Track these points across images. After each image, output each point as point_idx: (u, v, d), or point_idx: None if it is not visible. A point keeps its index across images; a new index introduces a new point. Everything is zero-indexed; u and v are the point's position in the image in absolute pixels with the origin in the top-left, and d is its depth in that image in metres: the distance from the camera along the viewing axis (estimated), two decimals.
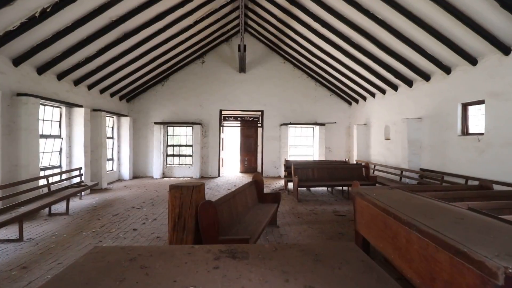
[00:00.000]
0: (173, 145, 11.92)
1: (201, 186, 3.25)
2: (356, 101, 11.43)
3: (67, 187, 6.64)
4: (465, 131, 6.24)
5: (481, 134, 5.69)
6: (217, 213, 2.83)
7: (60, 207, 6.36)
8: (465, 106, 6.25)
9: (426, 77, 7.15)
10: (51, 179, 6.95)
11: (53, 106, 7.37)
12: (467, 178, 5.86)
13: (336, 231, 4.82)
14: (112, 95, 10.09)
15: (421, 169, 7.35)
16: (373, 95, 9.93)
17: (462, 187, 4.49)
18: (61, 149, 7.63)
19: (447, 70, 6.46)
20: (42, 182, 6.30)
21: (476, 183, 5.61)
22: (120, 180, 10.64)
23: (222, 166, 12.56)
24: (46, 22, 5.43)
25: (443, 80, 6.68)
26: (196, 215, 3.07)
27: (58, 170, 7.47)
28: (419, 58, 6.68)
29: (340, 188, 8.66)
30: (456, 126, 6.31)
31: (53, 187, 6.66)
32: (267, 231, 4.79)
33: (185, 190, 3.13)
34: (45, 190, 6.34)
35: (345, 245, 1.54)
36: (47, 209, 5.91)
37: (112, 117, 10.42)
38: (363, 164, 8.19)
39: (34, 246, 4.16)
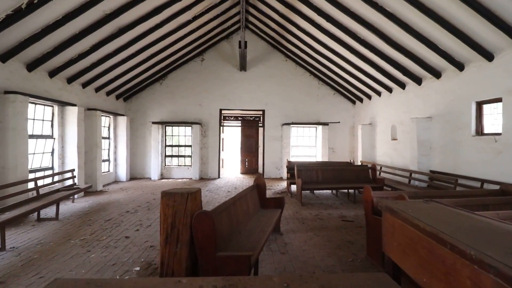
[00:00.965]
0: (172, 146, 11.57)
1: (197, 193, 2.90)
2: (361, 100, 11.06)
3: (58, 190, 6.29)
4: (479, 131, 5.87)
5: (498, 134, 5.33)
6: (215, 225, 2.48)
7: (51, 211, 6.01)
8: (479, 105, 5.88)
9: (436, 74, 6.78)
10: (42, 182, 6.63)
11: (45, 105, 7.02)
12: (482, 181, 5.50)
13: (344, 240, 4.46)
14: (108, 93, 9.74)
15: (431, 171, 6.98)
16: (378, 93, 9.56)
17: (482, 192, 4.13)
18: (53, 150, 7.29)
19: (460, 66, 6.10)
20: (31, 185, 5.95)
21: (493, 186, 5.26)
22: (116, 181, 10.29)
23: (222, 167, 12.21)
24: (34, 15, 5.08)
25: (455, 77, 6.32)
26: (191, 225, 2.71)
27: (50, 172, 7.13)
28: (429, 54, 6.32)
29: (345, 190, 8.29)
30: (470, 125, 5.94)
31: (44, 190, 6.31)
32: (270, 239, 4.43)
33: (178, 197, 2.79)
34: (35, 193, 5.98)
35: (376, 277, 1.19)
36: (36, 214, 5.55)
37: (108, 116, 10.07)
38: (370, 165, 7.82)
39: (16, 257, 3.81)
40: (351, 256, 3.80)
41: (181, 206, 2.78)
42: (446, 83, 6.59)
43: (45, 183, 6.63)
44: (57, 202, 5.57)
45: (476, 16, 4.70)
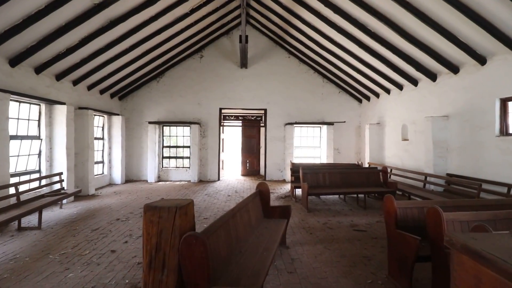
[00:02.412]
0: (169, 147, 11.07)
1: (187, 207, 2.38)
2: (368, 99, 10.51)
3: (42, 196, 5.78)
4: (504, 131, 5.34)
5: None
6: (207, 251, 1.96)
7: (35, 218, 5.48)
8: (504, 102, 5.34)
9: (454, 69, 6.25)
10: (28, 186, 6.15)
11: (30, 103, 6.52)
12: (509, 186, 4.96)
13: (359, 254, 3.93)
14: (101, 92, 9.23)
15: (448, 174, 6.44)
16: (387, 91, 9.02)
17: None
18: (40, 151, 6.79)
19: (481, 60, 5.56)
20: (12, 190, 5.44)
21: None
22: (111, 184, 9.78)
23: (222, 168, 11.69)
24: (11, 3, 4.59)
25: (476, 72, 5.78)
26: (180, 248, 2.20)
27: (36, 176, 6.62)
28: (447, 47, 5.78)
29: (354, 195, 7.73)
30: (494, 125, 5.41)
31: (29, 195, 5.81)
32: (276, 254, 3.90)
33: (165, 212, 2.27)
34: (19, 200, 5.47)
35: None
36: (16, 223, 5.04)
37: (102, 116, 9.57)
38: (381, 168, 7.27)
39: None
40: (370, 277, 3.27)
41: (168, 223, 2.27)
42: (465, 79, 6.05)
43: (31, 187, 6.14)
44: (39, 210, 5.05)
45: (502, 1, 4.18)
